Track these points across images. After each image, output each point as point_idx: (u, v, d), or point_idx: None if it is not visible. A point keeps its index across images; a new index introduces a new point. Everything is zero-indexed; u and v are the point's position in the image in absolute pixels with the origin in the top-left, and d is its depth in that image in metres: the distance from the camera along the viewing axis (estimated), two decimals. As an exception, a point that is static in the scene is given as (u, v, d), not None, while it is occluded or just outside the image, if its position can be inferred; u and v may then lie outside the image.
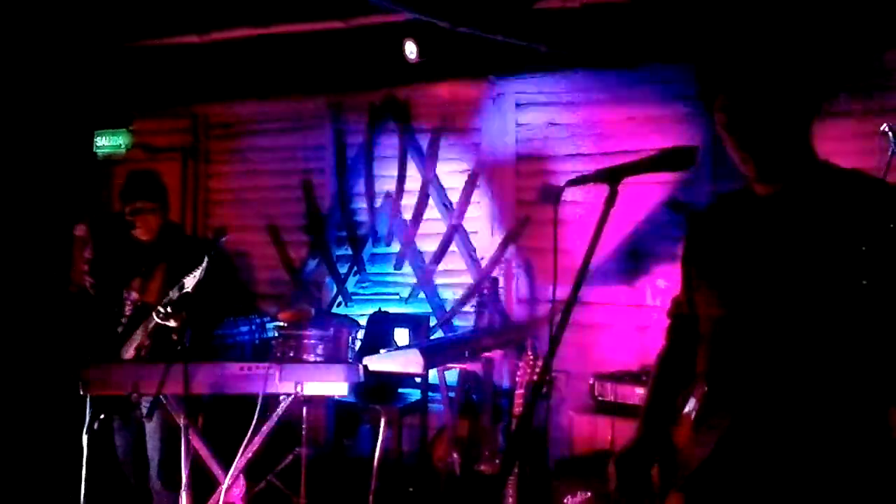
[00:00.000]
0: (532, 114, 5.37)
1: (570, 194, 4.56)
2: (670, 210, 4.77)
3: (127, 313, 4.42)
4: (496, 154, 5.48)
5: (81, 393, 4.10)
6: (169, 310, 4.14)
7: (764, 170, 1.91)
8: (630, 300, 4.98)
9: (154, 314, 4.18)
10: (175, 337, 3.95)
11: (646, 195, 4.82)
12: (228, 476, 4.11)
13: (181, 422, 3.96)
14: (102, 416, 4.17)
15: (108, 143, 6.61)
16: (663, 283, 4.82)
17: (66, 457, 4.40)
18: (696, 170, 4.45)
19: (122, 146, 6.61)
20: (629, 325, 4.97)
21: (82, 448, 4.14)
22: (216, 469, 4.18)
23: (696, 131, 4.68)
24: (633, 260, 4.94)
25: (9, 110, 5.80)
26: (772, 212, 1.91)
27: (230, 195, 6.60)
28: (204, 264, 3.99)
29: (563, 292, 1.76)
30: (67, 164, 6.27)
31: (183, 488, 3.86)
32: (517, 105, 5.41)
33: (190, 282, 4.04)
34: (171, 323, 4.17)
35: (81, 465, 4.13)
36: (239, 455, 4.11)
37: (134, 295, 4.38)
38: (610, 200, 1.80)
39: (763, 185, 1.93)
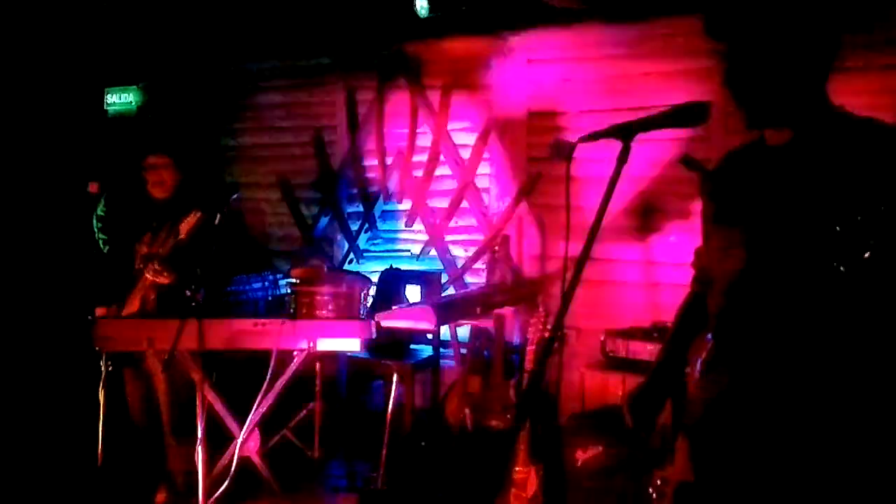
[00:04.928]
0: (544, 70, 5.32)
1: (582, 151, 4.53)
2: (683, 166, 4.75)
3: (136, 268, 4.44)
4: (508, 110, 5.44)
5: (96, 348, 4.15)
6: (157, 266, 4.18)
7: (757, 123, 1.91)
8: (642, 257, 4.98)
9: (146, 271, 4.22)
10: (188, 293, 3.98)
11: (659, 151, 4.79)
12: (243, 430, 4.16)
13: (196, 377, 4.00)
14: (111, 368, 4.22)
15: (119, 100, 6.61)
16: (675, 239, 4.81)
17: (81, 410, 4.46)
18: (710, 125, 4.41)
19: (133, 104, 6.60)
20: (641, 281, 4.98)
21: (98, 402, 4.19)
22: (231, 423, 4.23)
23: (711, 86, 4.64)
24: (646, 216, 4.93)
25: (21, 68, 5.80)
26: (783, 162, 1.91)
27: (242, 152, 6.61)
28: (199, 213, 4.03)
29: (575, 249, 1.76)
30: (80, 121, 6.28)
31: (198, 442, 3.92)
32: (529, 61, 5.36)
33: (184, 227, 4.08)
34: (162, 279, 4.21)
35: (97, 418, 4.19)
36: (253, 409, 4.15)
37: (143, 249, 4.39)
38: (623, 157, 1.80)
39: (774, 134, 1.93)
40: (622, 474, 3.74)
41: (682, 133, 4.59)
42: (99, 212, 4.62)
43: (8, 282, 5.59)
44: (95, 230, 4.65)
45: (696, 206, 2.29)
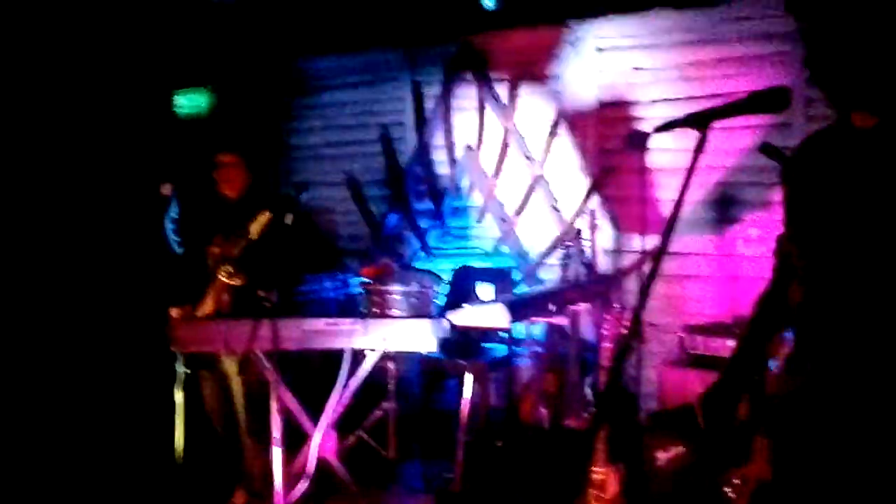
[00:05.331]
0: (613, 59, 5.21)
1: (656, 141, 4.43)
2: (762, 155, 4.60)
3: (209, 269, 4.46)
4: (577, 101, 5.35)
5: (172, 350, 4.19)
6: (231, 269, 4.20)
7: (842, 106, 1.83)
8: (720, 250, 4.84)
9: (218, 272, 4.24)
10: (261, 294, 3.99)
11: (737, 140, 4.65)
12: (318, 430, 4.16)
13: (270, 378, 4.01)
14: (188, 371, 4.25)
15: (188, 102, 6.69)
16: (755, 231, 4.67)
17: (159, 412, 4.51)
18: (789, 112, 4.27)
19: (203, 105, 6.68)
20: (719, 275, 4.84)
21: (174, 403, 4.23)
22: (307, 424, 4.23)
23: (788, 71, 4.49)
24: (724, 207, 4.79)
25: (94, 73, 5.90)
26: (867, 147, 1.83)
27: (310, 151, 6.64)
28: (269, 213, 4.03)
29: (650, 242, 1.70)
30: (152, 123, 6.37)
31: (275, 443, 3.92)
32: (598, 50, 5.26)
33: (254, 228, 4.07)
34: (235, 282, 4.23)
35: (174, 421, 4.23)
36: (328, 410, 4.15)
37: (216, 250, 4.42)
38: (699, 146, 1.74)
39: (860, 117, 1.84)
40: (702, 474, 3.63)
41: (760, 120, 4.45)
42: (172, 213, 4.68)
43: (85, 285, 5.70)
44: (169, 232, 4.70)
45: (777, 196, 2.19)
